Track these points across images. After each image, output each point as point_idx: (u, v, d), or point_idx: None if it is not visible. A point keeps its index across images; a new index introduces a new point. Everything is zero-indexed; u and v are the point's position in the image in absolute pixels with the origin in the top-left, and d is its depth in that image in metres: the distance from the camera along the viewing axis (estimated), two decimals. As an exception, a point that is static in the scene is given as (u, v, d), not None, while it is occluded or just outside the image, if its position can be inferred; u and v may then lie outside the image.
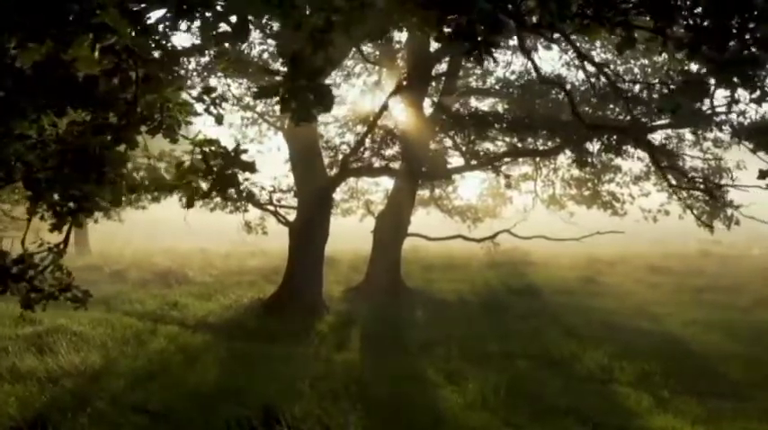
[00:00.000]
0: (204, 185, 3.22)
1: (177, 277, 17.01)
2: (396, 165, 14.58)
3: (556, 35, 6.33)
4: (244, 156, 3.21)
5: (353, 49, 15.20)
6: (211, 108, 3.05)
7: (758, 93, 4.99)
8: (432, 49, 13.65)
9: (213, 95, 3.06)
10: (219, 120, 3.15)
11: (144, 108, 2.79)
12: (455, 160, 14.06)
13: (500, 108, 14.82)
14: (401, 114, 15.00)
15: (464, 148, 12.34)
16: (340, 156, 13.57)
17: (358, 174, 14.70)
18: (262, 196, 13.48)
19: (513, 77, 15.32)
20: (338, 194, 19.23)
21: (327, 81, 16.58)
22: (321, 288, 13.13)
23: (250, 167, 3.08)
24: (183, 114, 2.97)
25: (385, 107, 13.09)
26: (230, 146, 3.22)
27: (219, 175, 2.99)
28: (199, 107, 3.02)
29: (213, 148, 3.06)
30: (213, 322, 11.83)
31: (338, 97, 18.50)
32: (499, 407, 6.85)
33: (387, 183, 17.85)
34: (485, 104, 17.70)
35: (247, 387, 7.28)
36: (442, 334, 10.72)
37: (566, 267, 20.21)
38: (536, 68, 9.07)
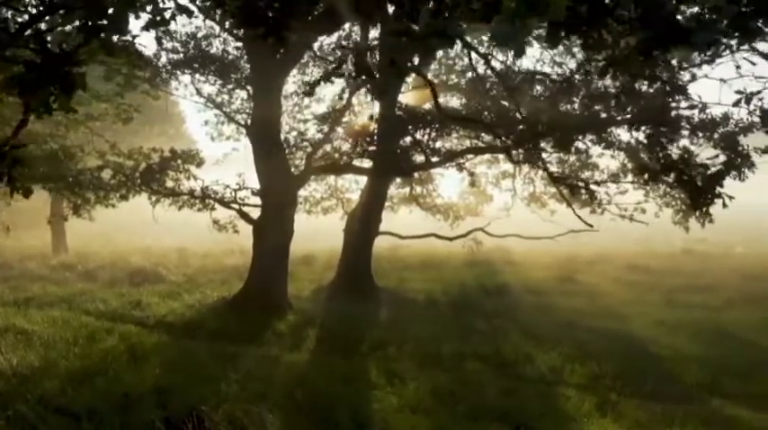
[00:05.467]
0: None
1: (149, 276, 16.83)
2: (366, 162, 14.39)
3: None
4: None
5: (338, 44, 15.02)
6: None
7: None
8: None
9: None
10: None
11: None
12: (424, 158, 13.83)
13: (466, 105, 14.58)
14: (371, 111, 14.80)
15: (424, 145, 12.16)
16: (300, 154, 13.38)
17: (323, 172, 14.51)
18: (226, 194, 13.30)
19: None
20: (318, 192, 19.12)
21: (310, 79, 16.06)
22: (286, 286, 12.95)
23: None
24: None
25: (348, 104, 12.91)
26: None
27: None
28: None
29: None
30: (173, 321, 11.70)
31: (316, 95, 18.35)
32: (432, 409, 6.68)
33: (365, 180, 17.69)
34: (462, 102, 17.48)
35: (181, 388, 7.13)
36: (400, 334, 10.56)
37: (545, 266, 19.98)
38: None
